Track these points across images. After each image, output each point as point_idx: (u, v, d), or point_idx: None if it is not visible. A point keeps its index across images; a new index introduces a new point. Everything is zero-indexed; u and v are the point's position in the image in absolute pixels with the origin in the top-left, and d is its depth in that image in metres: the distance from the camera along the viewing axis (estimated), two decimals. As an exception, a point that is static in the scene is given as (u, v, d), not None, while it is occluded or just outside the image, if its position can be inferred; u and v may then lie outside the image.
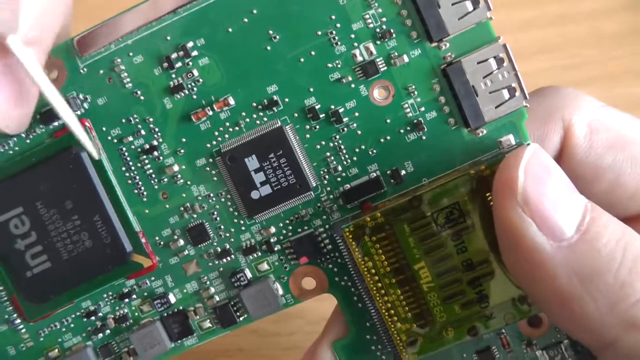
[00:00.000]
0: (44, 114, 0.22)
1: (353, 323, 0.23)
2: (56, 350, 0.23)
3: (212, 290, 0.23)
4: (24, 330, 0.23)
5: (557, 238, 0.18)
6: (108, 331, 0.23)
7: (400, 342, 0.22)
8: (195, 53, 0.21)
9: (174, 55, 0.21)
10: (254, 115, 0.22)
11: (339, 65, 0.21)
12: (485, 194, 0.21)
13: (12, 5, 0.17)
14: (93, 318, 0.23)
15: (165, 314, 0.23)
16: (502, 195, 0.18)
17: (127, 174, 0.22)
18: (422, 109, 0.21)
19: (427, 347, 0.22)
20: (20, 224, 0.22)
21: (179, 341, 0.23)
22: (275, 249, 0.23)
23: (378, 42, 0.21)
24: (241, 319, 0.23)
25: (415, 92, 0.21)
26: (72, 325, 0.23)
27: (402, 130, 0.22)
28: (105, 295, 0.23)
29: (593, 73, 0.39)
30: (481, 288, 0.21)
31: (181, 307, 0.23)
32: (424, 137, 0.22)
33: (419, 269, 0.21)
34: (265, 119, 0.22)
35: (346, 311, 0.23)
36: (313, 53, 0.21)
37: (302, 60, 0.21)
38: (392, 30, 0.21)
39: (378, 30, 0.21)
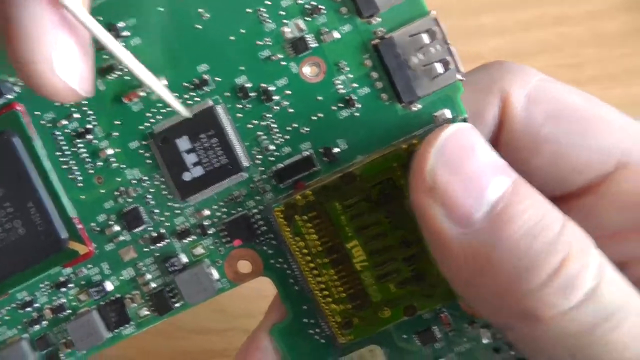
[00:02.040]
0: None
1: (290, 306, 0.22)
2: (-9, 343, 0.23)
3: (149, 276, 0.22)
4: (-44, 323, 0.23)
5: (462, 224, 0.17)
6: (45, 322, 0.23)
7: (335, 324, 0.21)
8: (126, 33, 0.21)
9: (105, 37, 0.21)
10: (186, 96, 0.22)
11: (269, 43, 0.21)
12: (416, 168, 0.20)
13: None
14: (29, 309, 0.23)
15: (102, 303, 0.23)
16: (413, 177, 0.18)
17: (62, 159, 0.22)
18: (354, 85, 0.21)
19: (363, 328, 0.21)
20: (-48, 210, 0.22)
21: (116, 330, 0.23)
22: (209, 232, 0.22)
23: (308, 19, 0.21)
24: (177, 305, 0.22)
25: (347, 68, 0.21)
26: (7, 318, 0.23)
27: (334, 107, 0.21)
28: (41, 285, 0.23)
29: (593, 73, 0.39)
30: (417, 266, 0.20)
31: (118, 295, 0.23)
32: (357, 114, 0.21)
33: (352, 248, 0.21)
34: (197, 98, 0.22)
35: (283, 294, 0.22)
36: (243, 31, 0.21)
37: (232, 38, 0.21)
38: (321, 7, 0.21)
39: (307, 6, 0.21)
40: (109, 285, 0.23)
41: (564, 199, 0.22)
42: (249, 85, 0.21)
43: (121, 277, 0.23)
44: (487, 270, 0.17)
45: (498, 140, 0.22)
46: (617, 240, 0.20)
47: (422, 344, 0.22)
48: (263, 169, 0.22)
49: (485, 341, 0.22)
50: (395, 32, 0.20)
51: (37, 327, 0.23)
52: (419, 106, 0.21)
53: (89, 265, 0.23)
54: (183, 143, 0.21)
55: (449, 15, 0.43)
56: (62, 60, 0.17)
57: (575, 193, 0.21)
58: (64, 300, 0.23)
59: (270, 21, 0.21)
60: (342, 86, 0.21)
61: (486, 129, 0.22)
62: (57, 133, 0.22)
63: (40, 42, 0.16)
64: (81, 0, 0.17)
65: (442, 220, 0.17)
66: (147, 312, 0.23)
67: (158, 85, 0.20)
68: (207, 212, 0.22)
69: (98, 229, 0.22)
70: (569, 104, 0.21)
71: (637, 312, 0.17)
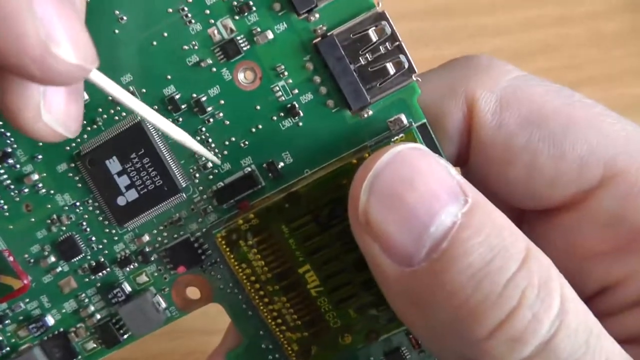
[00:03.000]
0: None
1: (245, 332, 0.21)
2: None
3: (92, 308, 0.21)
4: None
5: (401, 263, 0.15)
6: (-15, 361, 0.22)
7: (293, 353, 0.19)
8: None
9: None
10: (112, 111, 0.19)
11: (196, 47, 0.18)
12: (369, 184, 0.18)
13: None
14: (-33, 346, 0.22)
15: (45, 338, 0.21)
16: (350, 209, 0.16)
17: (-13, 186, 0.20)
18: (295, 91, 0.19)
19: (323, 356, 0.19)
20: None
21: (65, 365, 0.21)
22: (152, 258, 0.20)
23: (237, 17, 0.18)
24: (125, 337, 0.21)
25: (286, 73, 0.18)
26: (-57, 357, 0.22)
27: (275, 117, 0.19)
28: (-22, 322, 0.21)
29: (593, 73, 0.39)
30: (376, 289, 0.18)
31: (61, 329, 0.21)
32: (300, 124, 0.19)
33: (304, 273, 0.19)
34: (124, 113, 0.19)
35: (236, 321, 0.21)
36: (165, 34, 0.18)
37: (154, 43, 0.19)
38: (250, 3, 0.18)
39: (235, 3, 0.18)
40: (50, 320, 0.21)
41: (543, 213, 0.19)
42: (178, 96, 0.19)
43: (63, 310, 0.21)
44: (428, 313, 0.15)
45: (467, 150, 0.19)
46: (597, 262, 0.18)
47: None
48: (202, 188, 0.20)
49: None
50: (337, 29, 0.18)
51: (-22, 367, 0.22)
52: (370, 112, 0.18)
53: (27, 300, 0.21)
54: (114, 165, 0.19)
55: (449, 16, 0.41)
56: (49, 107, 0.16)
57: (555, 208, 0.19)
58: (1, 337, 0.21)
59: (194, 22, 0.18)
60: (281, 93, 0.19)
61: (448, 139, 0.19)
62: (-24, 159, 0.20)
63: (27, 92, 0.15)
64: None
65: (380, 259, 0.15)
66: (94, 345, 0.21)
67: (189, 139, 0.18)
68: (147, 238, 0.20)
69: (32, 260, 0.21)
70: (546, 108, 0.18)
71: (599, 351, 0.15)
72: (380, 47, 0.18)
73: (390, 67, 0.18)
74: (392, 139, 0.18)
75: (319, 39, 0.18)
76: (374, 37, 0.18)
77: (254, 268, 0.19)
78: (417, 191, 0.15)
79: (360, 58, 0.18)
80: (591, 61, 0.39)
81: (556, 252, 0.17)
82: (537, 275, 0.14)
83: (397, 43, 0.18)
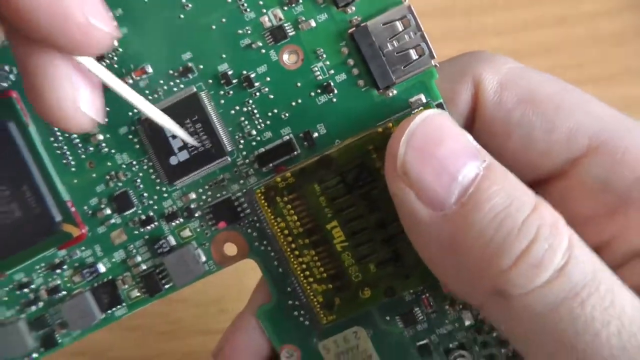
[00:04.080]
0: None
1: (275, 288, 0.23)
2: (-10, 323, 0.24)
3: (139, 258, 0.23)
4: (-44, 305, 0.24)
5: (434, 208, 0.18)
6: (41, 303, 0.24)
7: (318, 304, 0.22)
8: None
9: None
10: (171, 83, 0.22)
11: (249, 32, 0.22)
12: (392, 151, 0.21)
13: None
14: (26, 290, 0.24)
15: (95, 284, 0.24)
16: (386, 163, 0.19)
17: (55, 145, 0.23)
18: (332, 71, 0.22)
19: (345, 309, 0.22)
20: (-47, 195, 0.23)
21: (109, 311, 0.24)
22: (196, 215, 0.23)
23: (285, 8, 0.21)
24: (166, 287, 0.23)
25: (324, 56, 0.22)
26: (5, 298, 0.24)
27: (312, 93, 0.22)
28: (37, 267, 0.24)
29: (593, 73, 0.39)
30: (395, 247, 0.21)
31: (110, 277, 0.24)
32: (334, 100, 0.22)
33: (331, 229, 0.21)
34: (182, 85, 0.22)
35: (267, 277, 0.23)
36: (224, 20, 0.22)
37: (213, 27, 0.22)
38: (298, -4, 0.21)
39: (285, -4, 0.21)
40: (101, 267, 0.24)
41: (537, 184, 0.22)
42: (230, 72, 0.22)
43: (113, 260, 0.24)
44: (458, 252, 0.18)
45: (472, 126, 0.22)
46: (589, 225, 0.21)
47: (405, 325, 0.23)
48: (245, 153, 0.22)
49: (467, 322, 0.22)
50: (369, 20, 0.21)
51: (33, 308, 0.24)
52: (395, 92, 0.21)
53: (82, 248, 0.24)
54: (169, 129, 0.22)
55: (449, 16, 0.43)
56: (84, 99, 0.19)
57: (547, 178, 0.22)
58: (59, 281, 0.24)
59: (249, 10, 0.22)
60: (319, 73, 0.22)
61: (459, 115, 0.22)
62: (51, 121, 0.23)
63: (65, 88, 0.19)
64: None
65: (415, 205, 0.18)
66: (138, 294, 0.24)
67: (165, 119, 0.22)
68: (193, 196, 0.23)
69: (90, 212, 0.23)
70: (540, 90, 0.21)
71: (606, 286, 0.17)
72: (405, 36, 0.21)
73: (413, 53, 0.21)
74: (413, 112, 0.21)
75: (354, 28, 0.21)
76: (400, 27, 0.21)
77: (288, 222, 0.21)
78: (446, 147, 0.18)
79: (388, 45, 0.21)
80: (591, 61, 0.40)
81: None
82: (547, 218, 0.17)
83: (420, 33, 0.21)
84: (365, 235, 0.21)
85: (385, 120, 0.21)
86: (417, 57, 0.21)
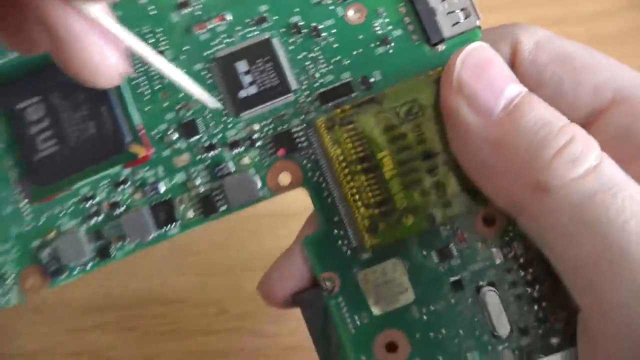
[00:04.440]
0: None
1: (322, 217, 0.25)
2: (53, 232, 0.26)
3: (198, 181, 0.25)
4: (27, 213, 0.26)
5: (484, 115, 0.21)
6: (101, 216, 0.26)
7: (364, 228, 0.24)
8: (199, -25, 0.26)
9: (183, -22, 0.26)
10: (247, 30, 0.26)
11: (320, -10, 0.25)
12: (439, 92, 0.24)
13: None
14: (89, 204, 0.26)
15: (154, 203, 0.26)
16: (443, 83, 0.23)
17: (134, 75, 0.26)
18: (390, 27, 0.25)
19: (388, 233, 0.24)
20: (35, 111, 0.26)
21: (163, 229, 0.25)
22: (257, 144, 0.25)
23: (354, -28, 0.25)
24: (221, 209, 0.25)
25: (384, 14, 0.25)
26: (69, 210, 0.26)
27: (372, 45, 0.25)
28: (102, 183, 0.26)
29: None
30: (439, 177, 0.24)
31: (169, 196, 0.26)
32: (390, 51, 0.25)
33: (382, 158, 0.24)
34: (257, 32, 0.26)
35: (317, 206, 0.25)
36: (298, -20, 0.26)
37: (289, -15, 0.26)
38: (366, -37, 0.25)
39: (355, -37, 0.25)
40: (162, 187, 0.26)
41: None
42: (301, 23, 0.25)
43: (173, 181, 0.26)
44: (504, 152, 0.21)
45: None
46: None
47: (440, 260, 0.25)
48: (308, 92, 0.25)
49: (497, 261, 0.24)
50: (427, -13, 0.25)
51: (94, 220, 0.25)
52: (444, 47, 0.25)
53: (146, 168, 0.26)
54: (241, 65, 0.25)
55: None
56: (111, 53, 0.20)
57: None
58: (120, 197, 0.26)
59: (321, -27, 0.25)
60: (379, 28, 0.25)
61: None
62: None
63: (91, 45, 0.20)
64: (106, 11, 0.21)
65: (467, 113, 0.21)
66: (193, 214, 0.25)
67: (189, 83, 0.24)
68: (256, 127, 0.25)
69: (158, 136, 0.26)
70: (572, 52, 0.25)
71: (635, 188, 0.20)
72: (455, 0, 0.25)
73: (461, 14, 0.25)
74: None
75: (413, -9, 0.25)
76: (452, -7, 0.25)
77: (343, 149, 0.24)
78: (495, 69, 0.22)
79: (440, 6, 0.25)
80: None
81: None
82: (581, 130, 0.21)
83: (469, -2, 0.25)
84: (412, 164, 0.24)
85: (435, 68, 0.25)
86: (464, 17, 0.24)
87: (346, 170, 0.24)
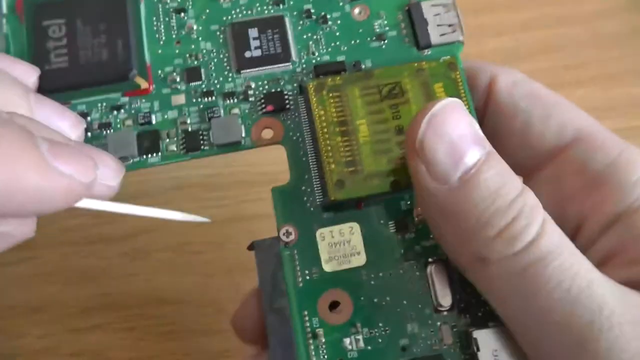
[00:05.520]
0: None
1: (294, 173, 0.27)
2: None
3: (189, 120, 0.27)
4: (19, 115, 0.27)
5: (440, 182, 0.22)
6: (89, 134, 0.27)
7: (332, 182, 0.26)
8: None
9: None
10: (264, 7, 0.29)
11: (334, -12, 0.30)
12: (420, 82, 0.27)
13: None
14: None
15: (143, 131, 0.27)
16: (407, 139, 0.24)
17: (156, 22, 0.29)
18: (387, 28, 0.29)
19: (353, 190, 0.25)
20: (58, 30, 0.28)
21: (144, 156, 0.27)
22: (250, 99, 0.28)
23: (365, -20, 0.30)
24: (203, 147, 0.27)
25: (385, 17, 0.29)
26: (61, 122, 0.27)
27: (368, 39, 0.29)
28: (99, 104, 0.28)
29: (593, 73, 0.40)
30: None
31: (158, 129, 0.27)
32: (383, 47, 0.29)
33: (359, 125, 0.26)
34: (272, 11, 0.29)
35: (291, 161, 0.27)
36: (315, -24, 0.30)
37: (303, -20, 0.30)
38: (375, -25, 0.30)
39: (366, -27, 0.30)
40: (154, 118, 0.27)
41: (535, 168, 0.27)
42: (313, 10, 0.29)
43: (166, 116, 0.27)
44: (454, 220, 0.22)
45: (484, 109, 0.29)
46: (572, 201, 0.26)
47: (396, 231, 0.26)
48: (305, 65, 0.28)
49: None
50: (423, 2, 0.29)
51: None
52: (429, 52, 0.28)
53: (144, 100, 0.28)
54: (253, 32, 0.28)
55: None
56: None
57: (540, 164, 0.27)
58: (112, 121, 0.27)
59: (335, -27, 0.30)
60: (378, 27, 0.29)
61: (476, 93, 0.28)
62: (159, 6, 0.29)
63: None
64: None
65: (425, 176, 0.22)
66: (175, 148, 0.27)
67: (173, 214, 0.26)
68: (252, 84, 0.28)
69: (162, 75, 0.28)
70: (543, 92, 0.28)
71: (567, 254, 0.21)
72: (445, 15, 0.29)
73: (448, 28, 0.28)
74: (442, 58, 0.27)
75: (412, 4, 0.29)
76: (443, 10, 0.29)
77: (327, 111, 0.26)
78: (460, 131, 0.22)
79: (432, 19, 0.29)
80: (591, 61, 0.41)
81: (548, 201, 0.24)
82: (530, 200, 0.22)
83: (456, 15, 0.29)
84: (385, 135, 0.26)
85: (419, 61, 0.28)
86: (451, 32, 0.28)
87: (325, 130, 0.26)
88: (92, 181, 0.22)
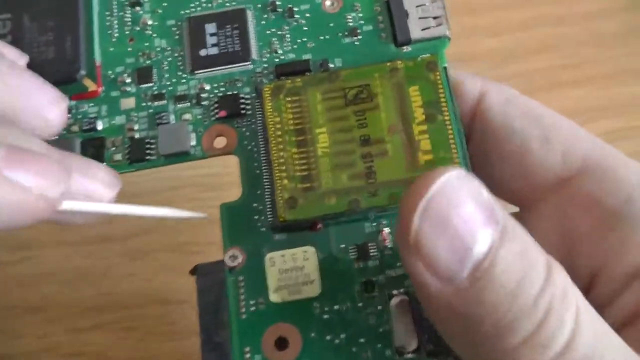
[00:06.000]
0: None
1: (245, 187, 0.24)
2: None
3: (137, 127, 0.25)
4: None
5: (444, 281, 0.17)
6: (31, 140, 0.25)
7: (282, 200, 0.22)
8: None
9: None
10: (227, 1, 0.26)
11: (302, -23, 0.26)
12: (392, 84, 0.23)
13: None
14: (24, 125, 0.25)
15: (88, 138, 0.25)
16: (398, 232, 0.18)
17: (109, 18, 0.26)
18: (362, 22, 0.25)
19: (306, 209, 0.22)
20: (2, 27, 0.26)
21: (87, 166, 0.24)
22: (203, 103, 0.25)
23: (338, -34, 0.26)
24: (149, 158, 0.24)
25: (359, 9, 0.25)
26: (2, 125, 0.25)
27: (340, 34, 0.25)
28: (44, 108, 0.25)
29: (592, 73, 0.39)
30: (372, 164, 0.22)
31: (103, 136, 0.25)
32: (356, 43, 0.25)
33: (319, 134, 0.23)
34: (234, 3, 0.26)
35: (243, 175, 0.24)
36: (281, -35, 0.26)
37: (275, -30, 0.26)
38: (350, -38, 0.26)
39: (337, -42, 0.26)
40: (100, 125, 0.25)
41: (534, 201, 0.23)
42: (279, 2, 0.26)
43: (113, 122, 0.25)
44: (467, 324, 0.17)
45: (471, 130, 0.25)
46: (585, 242, 0.21)
47: (357, 257, 0.23)
48: (266, 65, 0.25)
49: None
50: (404, -8, 0.25)
51: (22, 139, 0.25)
52: (409, 49, 0.25)
53: (92, 104, 0.25)
54: (210, 27, 0.26)
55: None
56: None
57: (540, 194, 0.23)
58: (57, 127, 0.25)
59: (302, -39, 0.26)
60: (351, 20, 0.25)
61: (464, 104, 0.24)
62: (114, 2, 0.27)
63: None
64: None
65: (425, 275, 0.17)
66: (120, 158, 0.25)
67: (171, 212, 0.23)
68: (207, 87, 0.25)
69: (113, 76, 0.26)
70: (540, 111, 0.24)
71: (612, 351, 0.17)
72: (430, 7, 0.25)
73: (432, 21, 0.24)
74: (420, 57, 0.24)
75: (391, -6, 0.25)
76: (427, 0, 0.25)
77: (282, 118, 0.23)
78: (464, 217, 0.17)
79: (413, 10, 0.25)
80: (590, 61, 0.40)
81: (551, 238, 0.21)
82: (559, 285, 0.17)
83: (442, 6, 0.25)
84: (347, 147, 0.23)
85: (394, 60, 0.24)
86: (435, 24, 0.24)
87: (280, 139, 0.23)
88: (59, 195, 0.19)
